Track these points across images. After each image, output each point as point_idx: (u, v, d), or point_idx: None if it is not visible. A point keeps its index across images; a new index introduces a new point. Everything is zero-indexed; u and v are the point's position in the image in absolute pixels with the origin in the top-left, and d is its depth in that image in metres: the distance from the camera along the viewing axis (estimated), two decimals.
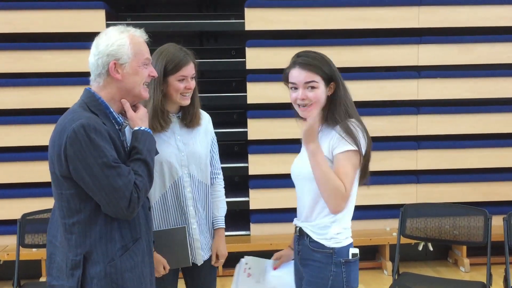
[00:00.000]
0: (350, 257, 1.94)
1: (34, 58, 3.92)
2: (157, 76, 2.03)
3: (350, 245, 1.96)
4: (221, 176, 2.42)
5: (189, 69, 2.15)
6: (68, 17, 3.90)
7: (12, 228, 3.43)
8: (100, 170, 1.65)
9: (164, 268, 2.17)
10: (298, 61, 1.93)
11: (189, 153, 2.21)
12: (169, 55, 2.13)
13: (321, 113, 1.94)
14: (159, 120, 2.13)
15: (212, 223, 2.37)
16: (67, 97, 3.57)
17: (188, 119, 2.23)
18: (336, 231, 1.93)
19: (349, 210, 1.97)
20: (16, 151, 3.97)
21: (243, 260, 2.31)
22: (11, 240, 3.81)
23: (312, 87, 1.91)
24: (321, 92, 1.91)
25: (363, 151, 1.89)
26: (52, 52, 3.93)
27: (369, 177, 2.01)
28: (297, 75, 1.92)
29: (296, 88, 1.94)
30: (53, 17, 3.90)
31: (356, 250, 1.96)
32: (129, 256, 1.77)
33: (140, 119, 1.85)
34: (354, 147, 1.85)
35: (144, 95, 1.85)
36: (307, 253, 1.99)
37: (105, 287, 1.73)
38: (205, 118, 2.33)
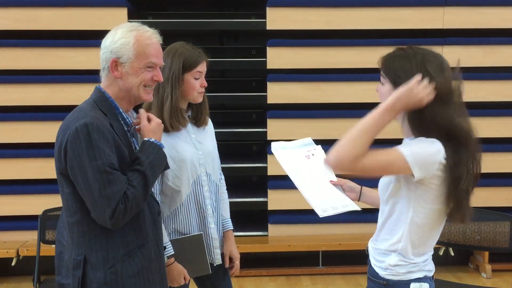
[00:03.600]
0: None
1: (56, 56, 3.95)
2: (176, 74, 2.06)
3: (414, 280, 1.72)
4: (223, 177, 2.40)
5: (204, 66, 2.17)
6: (91, 15, 3.93)
7: (31, 224, 3.46)
8: (92, 173, 1.59)
9: (184, 278, 2.14)
10: None
11: (204, 152, 2.21)
12: (186, 53, 2.12)
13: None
14: (177, 119, 2.12)
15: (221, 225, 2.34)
16: (88, 95, 3.52)
17: (200, 118, 2.22)
18: (394, 262, 1.73)
19: (414, 242, 1.72)
20: (38, 148, 3.99)
21: (317, 146, 2.08)
22: (30, 236, 3.85)
23: (381, 82, 1.73)
24: (384, 90, 1.70)
25: (413, 166, 1.61)
26: (75, 49, 3.95)
27: (469, 215, 1.75)
28: None
29: None
30: (76, 14, 3.93)
31: (424, 286, 1.73)
32: (132, 261, 1.71)
33: (152, 131, 1.77)
34: (400, 150, 1.63)
35: (144, 97, 1.76)
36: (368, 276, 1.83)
37: None
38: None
